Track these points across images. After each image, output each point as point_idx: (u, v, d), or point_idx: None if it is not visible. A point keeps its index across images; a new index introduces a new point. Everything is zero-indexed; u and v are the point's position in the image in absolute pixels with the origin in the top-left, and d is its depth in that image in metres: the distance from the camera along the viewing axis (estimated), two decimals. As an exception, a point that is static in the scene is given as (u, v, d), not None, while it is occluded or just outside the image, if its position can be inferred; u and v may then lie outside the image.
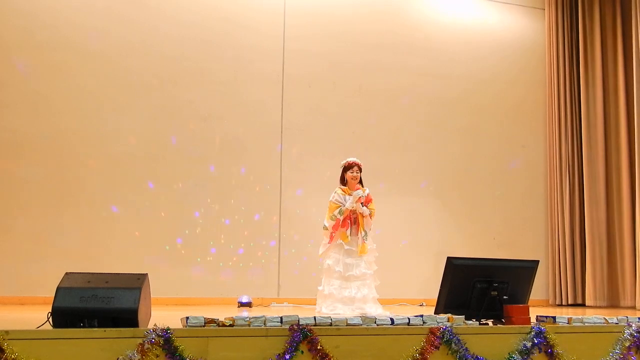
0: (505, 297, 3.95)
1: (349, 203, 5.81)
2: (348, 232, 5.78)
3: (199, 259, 7.29)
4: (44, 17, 7.10)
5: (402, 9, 8.50)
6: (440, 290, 3.95)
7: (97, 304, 3.09)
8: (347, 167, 6.03)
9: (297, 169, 7.31)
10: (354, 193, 5.84)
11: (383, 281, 7.92)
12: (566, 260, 8.34)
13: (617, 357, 3.74)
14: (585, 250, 8.32)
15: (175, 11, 7.56)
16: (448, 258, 3.95)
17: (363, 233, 5.80)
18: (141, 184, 7.23)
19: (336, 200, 5.87)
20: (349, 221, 5.80)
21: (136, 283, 3.25)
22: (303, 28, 7.97)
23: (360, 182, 6.04)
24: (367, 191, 5.98)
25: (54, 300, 3.09)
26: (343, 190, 5.94)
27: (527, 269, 4.18)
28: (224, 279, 7.29)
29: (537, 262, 4.24)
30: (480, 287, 3.94)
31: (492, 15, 8.88)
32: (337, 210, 5.80)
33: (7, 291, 6.56)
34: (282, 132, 7.74)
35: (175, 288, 6.98)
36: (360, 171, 6.03)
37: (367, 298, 5.68)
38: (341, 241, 5.76)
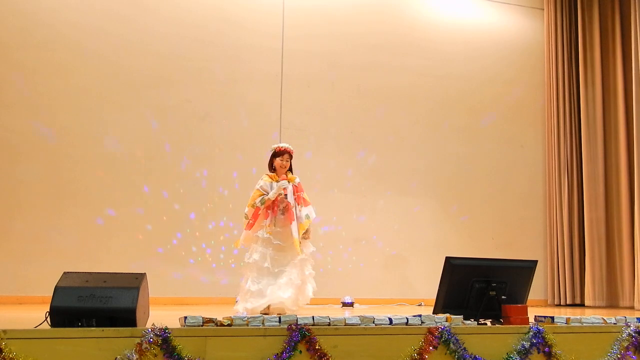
0: (503, 297, 3.95)
1: (272, 193, 5.42)
2: (267, 222, 5.40)
3: (197, 259, 7.29)
4: (42, 17, 7.09)
5: (401, 9, 8.50)
6: (438, 290, 3.95)
7: (95, 304, 3.09)
8: (277, 154, 5.61)
9: (295, 168, 7.25)
10: (279, 183, 5.47)
11: (382, 281, 7.93)
12: (565, 260, 8.34)
13: (615, 357, 3.74)
14: (584, 250, 8.32)
15: (173, 11, 7.56)
16: (446, 258, 3.95)
17: (299, 235, 5.42)
18: (139, 183, 7.22)
19: (261, 187, 5.48)
20: (269, 211, 5.42)
21: (134, 283, 3.25)
22: (302, 28, 7.98)
23: (290, 169, 5.66)
24: (297, 180, 5.59)
25: (52, 300, 3.09)
26: (270, 177, 5.55)
27: (526, 268, 4.17)
28: (222, 279, 7.29)
29: (535, 262, 4.24)
30: (478, 287, 3.94)
31: (491, 15, 8.88)
32: (259, 199, 5.41)
33: (5, 290, 6.55)
34: (280, 132, 7.74)
35: (173, 288, 6.98)
36: (291, 158, 5.63)
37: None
38: (268, 235, 5.35)
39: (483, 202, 8.49)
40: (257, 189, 5.50)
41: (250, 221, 5.44)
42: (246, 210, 5.50)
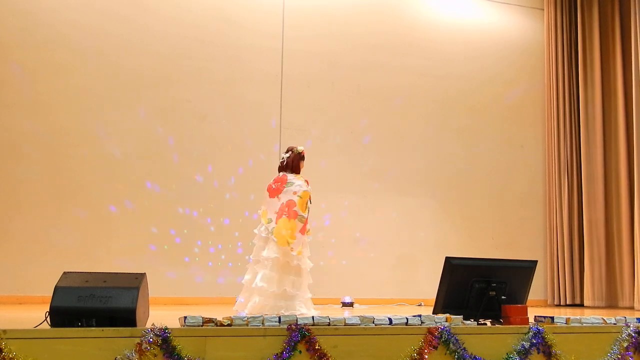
0: (503, 297, 3.95)
1: None
2: (310, 227, 5.54)
3: (197, 259, 7.29)
4: (42, 17, 7.09)
5: (401, 9, 8.50)
6: (438, 290, 3.95)
7: (95, 304, 3.09)
8: (304, 157, 5.67)
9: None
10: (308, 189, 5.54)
11: (382, 281, 7.91)
12: (564, 261, 8.34)
13: (615, 357, 3.74)
14: (583, 251, 8.32)
15: (173, 11, 7.56)
16: (446, 258, 3.95)
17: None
18: (139, 183, 7.22)
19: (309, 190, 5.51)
20: None
21: (134, 282, 3.25)
22: (302, 28, 7.98)
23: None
24: None
25: (51, 300, 3.09)
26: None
27: (526, 269, 4.18)
28: (222, 279, 7.29)
29: (535, 262, 4.24)
30: (478, 287, 3.94)
31: (491, 16, 8.88)
32: (309, 202, 5.47)
33: (5, 290, 6.55)
34: (280, 132, 7.74)
35: (173, 288, 6.98)
36: None
37: None
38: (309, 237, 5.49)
39: (483, 202, 8.49)
40: (309, 192, 5.46)
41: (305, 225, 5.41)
42: (304, 214, 5.35)
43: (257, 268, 5.33)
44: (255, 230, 5.50)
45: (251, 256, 5.50)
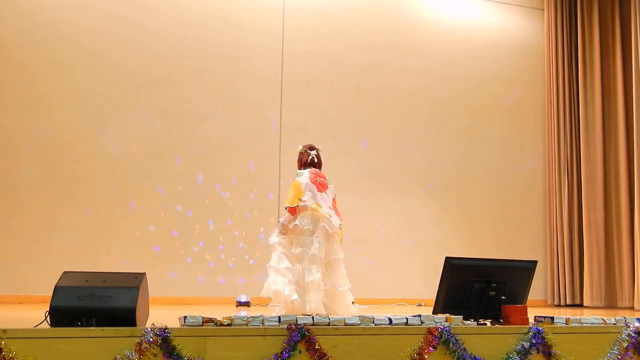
0: (503, 297, 3.94)
1: None
2: None
3: (196, 258, 7.29)
4: (42, 17, 7.10)
5: (401, 9, 8.51)
6: (438, 290, 3.95)
7: (95, 303, 3.09)
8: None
9: (296, 168, 7.28)
10: None
11: (382, 281, 7.91)
12: (564, 261, 8.34)
13: (615, 357, 3.74)
14: (583, 251, 8.32)
15: (173, 11, 7.57)
16: (446, 258, 3.94)
17: None
18: (139, 183, 7.23)
19: None
20: None
21: (134, 282, 3.25)
22: (302, 28, 7.98)
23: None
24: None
25: (51, 299, 3.09)
26: None
27: (526, 269, 4.17)
28: (222, 279, 7.28)
29: (535, 262, 4.24)
30: (478, 287, 3.94)
31: (491, 16, 8.88)
32: None
33: (5, 290, 6.55)
34: (280, 132, 7.75)
35: (173, 287, 6.98)
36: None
37: None
38: None
39: (483, 202, 8.49)
40: None
41: None
42: None
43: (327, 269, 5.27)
44: (307, 226, 5.20)
45: (322, 255, 5.21)
